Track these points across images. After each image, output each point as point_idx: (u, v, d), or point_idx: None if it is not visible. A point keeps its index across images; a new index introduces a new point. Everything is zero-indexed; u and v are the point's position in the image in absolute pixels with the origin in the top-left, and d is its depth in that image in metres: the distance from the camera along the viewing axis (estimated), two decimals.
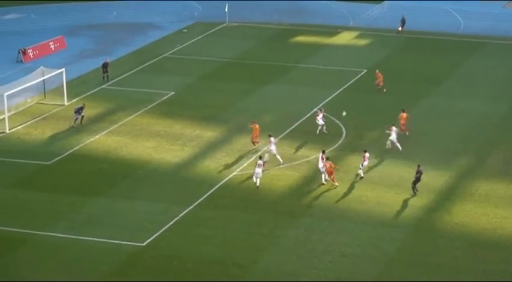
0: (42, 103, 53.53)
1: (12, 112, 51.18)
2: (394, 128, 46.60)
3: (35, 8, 74.28)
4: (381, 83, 55.42)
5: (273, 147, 45.00)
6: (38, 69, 53.19)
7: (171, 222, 39.33)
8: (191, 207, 40.77)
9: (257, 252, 37.28)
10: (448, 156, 46.35)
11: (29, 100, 53.53)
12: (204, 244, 37.87)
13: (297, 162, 45.35)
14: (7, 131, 49.04)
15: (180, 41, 66.38)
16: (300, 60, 61.96)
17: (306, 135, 48.79)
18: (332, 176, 42.45)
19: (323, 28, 69.45)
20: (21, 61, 61.34)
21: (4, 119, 49.32)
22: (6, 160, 45.59)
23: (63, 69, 54.15)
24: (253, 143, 46.65)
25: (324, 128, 48.62)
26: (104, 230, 38.74)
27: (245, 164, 45.12)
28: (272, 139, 45.29)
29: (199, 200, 41.38)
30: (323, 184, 42.47)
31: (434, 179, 43.63)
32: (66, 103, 53.43)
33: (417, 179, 41.60)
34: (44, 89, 54.08)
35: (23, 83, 51.38)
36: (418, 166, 41.89)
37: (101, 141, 48.17)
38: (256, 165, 42.73)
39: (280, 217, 39.99)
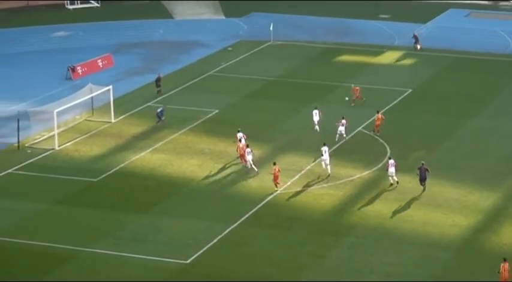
0: (90, 120, 54.17)
1: (62, 129, 51.90)
2: (343, 121, 49.41)
3: (83, 26, 75.37)
4: (359, 96, 56.03)
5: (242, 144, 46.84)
6: (86, 87, 53.92)
7: (215, 240, 39.43)
8: (235, 225, 40.85)
9: (300, 271, 37.15)
10: (496, 177, 45.74)
11: (77, 117, 54.26)
12: (247, 262, 37.88)
13: (341, 181, 45.21)
14: (56, 148, 49.71)
15: (225, 59, 66.70)
16: (344, 79, 61.71)
17: (350, 155, 48.58)
18: (277, 181, 43.59)
19: (368, 47, 69.21)
20: (70, 78, 62.25)
21: (54, 135, 50.01)
22: (55, 176, 46.18)
23: (111, 86, 54.79)
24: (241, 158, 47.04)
25: (316, 126, 51.11)
26: (148, 247, 38.98)
27: (289, 183, 45.10)
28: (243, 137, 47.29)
29: (243, 218, 41.45)
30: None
31: (482, 200, 43.10)
32: (113, 120, 54.02)
33: (421, 178, 42.86)
34: (92, 106, 54.80)
35: (72, 100, 52.11)
36: (422, 164, 43.39)
37: (146, 158, 48.58)
38: (246, 153, 45.40)
39: (324, 236, 39.88)
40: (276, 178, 43.98)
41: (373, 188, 44.48)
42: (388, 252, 38.42)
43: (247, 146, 46.45)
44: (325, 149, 45.56)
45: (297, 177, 45.73)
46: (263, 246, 39.00)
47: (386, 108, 56.13)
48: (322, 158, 45.41)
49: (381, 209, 42.45)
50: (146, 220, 41.42)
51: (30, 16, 77.42)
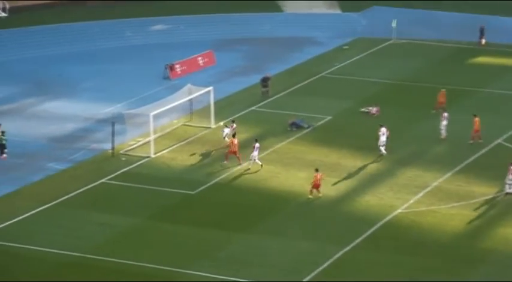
0: (188, 125, 54.53)
1: (158, 134, 52.30)
2: (445, 115, 51.51)
3: (184, 19, 76.22)
4: (439, 105, 55.15)
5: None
6: (185, 88, 54.27)
7: (326, 264, 38.96)
8: (348, 248, 40.34)
9: None
10: None
11: (175, 121, 54.66)
12: None
13: (475, 200, 44.22)
14: (152, 156, 50.12)
15: (340, 59, 66.40)
16: (482, 85, 60.57)
17: (486, 170, 47.39)
18: (314, 189, 44.64)
19: (510, 48, 67.44)
20: (168, 77, 62.99)
21: (150, 141, 50.40)
22: (150, 188, 46.49)
23: (211, 87, 55.04)
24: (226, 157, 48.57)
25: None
26: (251, 270, 38.75)
27: (411, 201, 44.38)
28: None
29: (358, 240, 40.91)
30: None
31: None
32: (213, 125, 54.25)
33: None
34: (191, 109, 55.14)
35: (169, 102, 52.31)
36: None
37: (250, 170, 48.46)
38: (254, 149, 47.56)
39: (456, 263, 38.96)
40: (316, 186, 44.52)
41: None
42: None
43: (256, 141, 48.08)
44: (383, 130, 48.88)
45: (421, 194, 44.89)
46: (382, 273, 38.25)
47: None
48: (381, 139, 48.67)
49: None
50: (249, 240, 41.28)
51: (126, 7, 78.92)
